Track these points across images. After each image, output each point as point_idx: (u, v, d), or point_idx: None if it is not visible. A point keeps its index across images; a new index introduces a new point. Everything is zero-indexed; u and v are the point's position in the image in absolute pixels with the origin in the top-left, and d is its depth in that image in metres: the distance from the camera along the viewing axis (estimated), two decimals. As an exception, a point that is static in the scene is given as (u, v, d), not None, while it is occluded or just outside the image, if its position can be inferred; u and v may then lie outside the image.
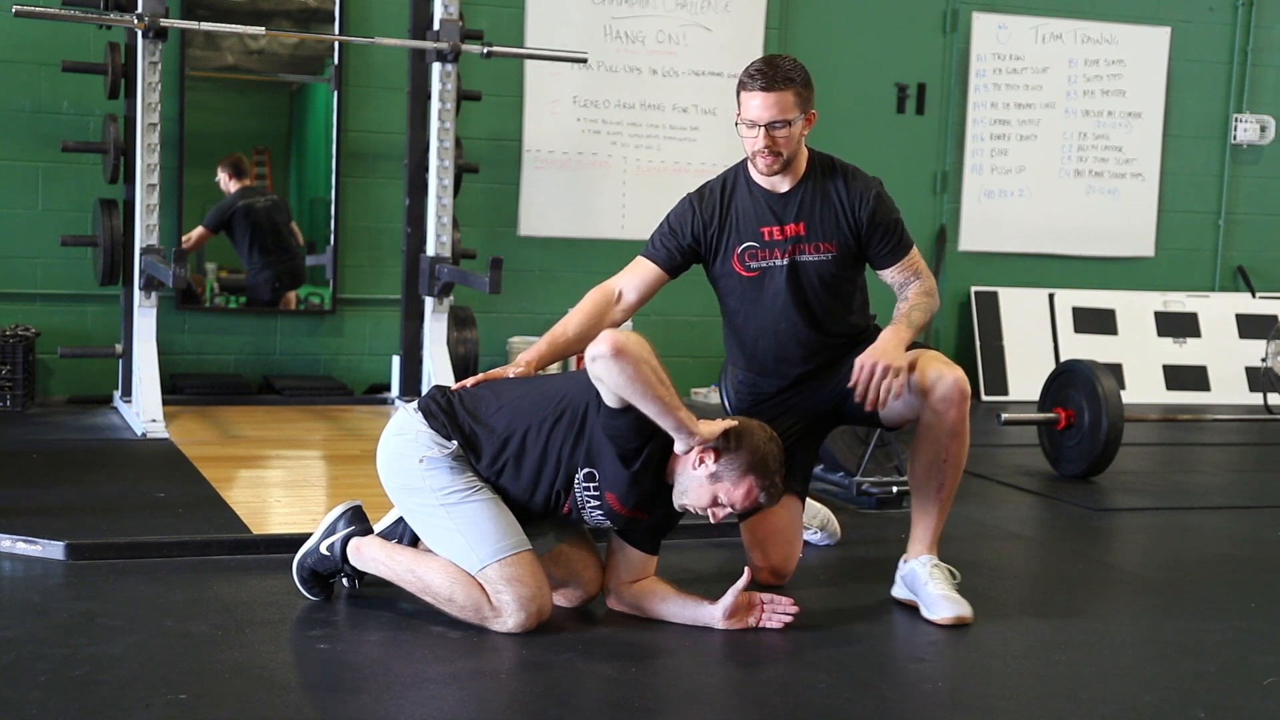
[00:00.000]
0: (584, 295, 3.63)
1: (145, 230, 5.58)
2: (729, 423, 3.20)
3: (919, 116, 7.67)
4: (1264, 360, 7.42)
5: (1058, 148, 7.92)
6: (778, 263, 3.59)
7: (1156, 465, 5.92)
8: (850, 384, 3.45)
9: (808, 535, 4.16)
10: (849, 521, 4.45)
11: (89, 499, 4.32)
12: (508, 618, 3.18)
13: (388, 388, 6.58)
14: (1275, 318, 8.06)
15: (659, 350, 3.15)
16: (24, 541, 3.72)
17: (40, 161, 6.21)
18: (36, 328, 6.17)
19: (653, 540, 3.37)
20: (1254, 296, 8.20)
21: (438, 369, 6.06)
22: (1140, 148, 8.06)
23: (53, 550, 3.69)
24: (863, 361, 3.42)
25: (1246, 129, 8.15)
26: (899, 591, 3.61)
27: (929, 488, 3.55)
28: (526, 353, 3.53)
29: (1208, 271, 8.28)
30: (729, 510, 3.21)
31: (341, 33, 6.55)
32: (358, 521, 3.44)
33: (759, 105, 3.49)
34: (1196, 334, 8.02)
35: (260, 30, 5.75)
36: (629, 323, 3.90)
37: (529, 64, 6.87)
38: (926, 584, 3.50)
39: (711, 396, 6.89)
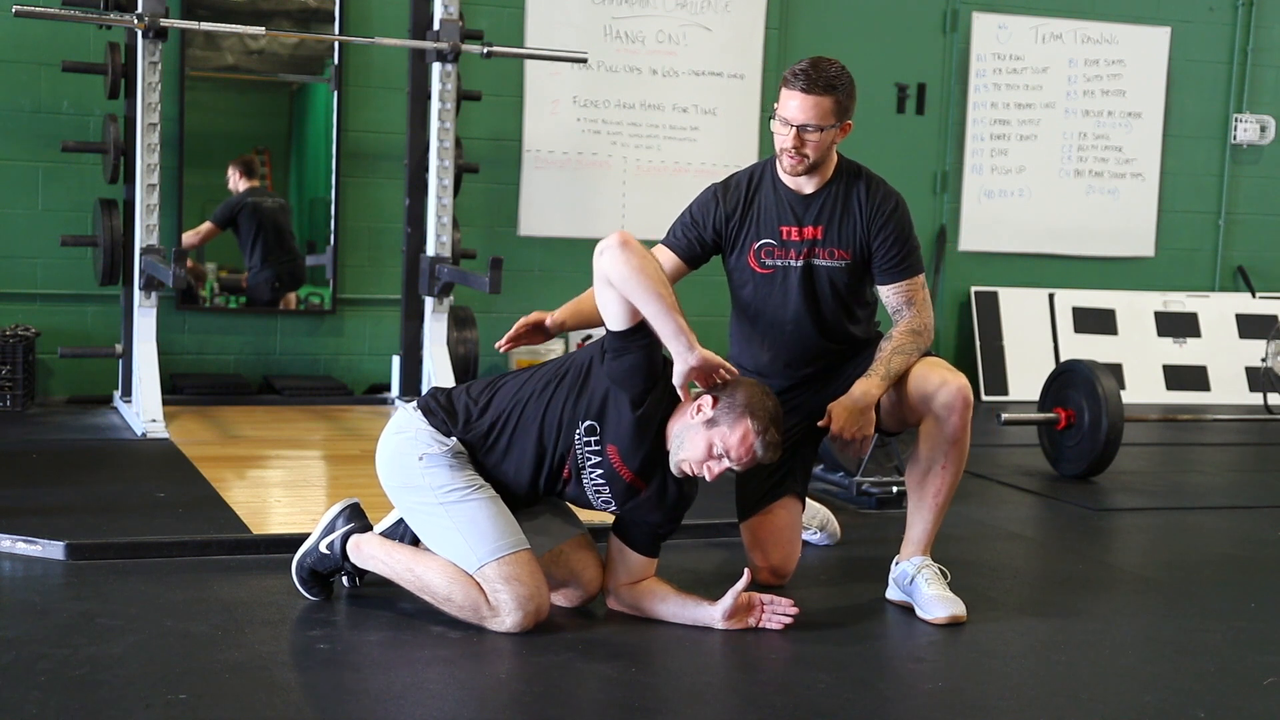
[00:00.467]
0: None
1: (145, 230, 5.58)
2: (725, 363, 3.19)
3: (919, 116, 7.67)
4: (1264, 360, 7.42)
5: (1058, 148, 7.92)
6: (793, 263, 3.60)
7: (1156, 465, 5.92)
8: (822, 423, 3.54)
9: (807, 536, 4.16)
10: (849, 521, 4.45)
11: (89, 499, 4.32)
12: (505, 617, 3.18)
13: (388, 388, 6.58)
14: (1275, 318, 8.05)
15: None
16: (24, 541, 3.72)
17: (40, 161, 6.21)
18: (36, 328, 6.17)
19: (652, 543, 3.37)
20: (1254, 296, 8.20)
21: (438, 369, 6.06)
22: (1140, 148, 8.06)
23: (53, 550, 3.69)
24: (833, 419, 3.48)
25: (1246, 129, 8.15)
26: (892, 593, 3.62)
27: (925, 491, 3.55)
28: (556, 312, 3.56)
29: (1208, 271, 8.28)
30: (726, 464, 3.17)
31: (341, 33, 6.55)
32: (356, 518, 3.44)
33: (796, 106, 3.49)
34: (1196, 334, 8.02)
35: (260, 30, 5.75)
36: None
37: (529, 64, 6.87)
38: (919, 584, 3.51)
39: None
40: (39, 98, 6.21)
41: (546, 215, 6.99)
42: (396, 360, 6.43)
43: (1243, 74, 8.16)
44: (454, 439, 3.27)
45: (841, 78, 3.52)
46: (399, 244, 6.45)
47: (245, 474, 5.00)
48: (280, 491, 4.80)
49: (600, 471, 3.24)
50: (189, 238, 6.45)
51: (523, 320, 3.55)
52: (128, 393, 5.93)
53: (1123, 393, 5.51)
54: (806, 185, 3.60)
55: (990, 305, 7.79)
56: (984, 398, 7.51)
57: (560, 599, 3.42)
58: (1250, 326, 8.06)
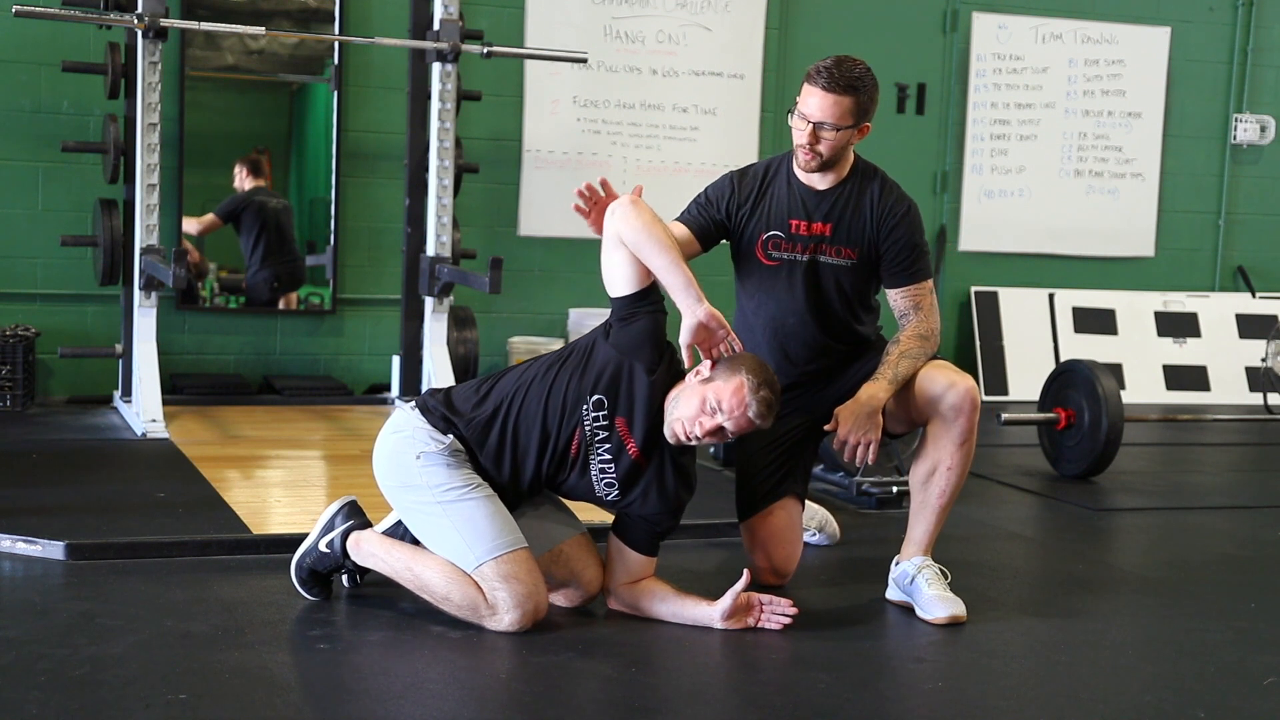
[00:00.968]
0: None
1: (145, 230, 5.58)
2: (729, 327, 3.24)
3: (919, 116, 7.67)
4: (1264, 360, 7.42)
5: (1058, 148, 7.92)
6: (799, 258, 3.60)
7: (1156, 465, 5.93)
8: (828, 427, 3.53)
9: (806, 536, 4.16)
10: (849, 521, 4.45)
11: (89, 499, 4.32)
12: (503, 615, 3.18)
13: (388, 388, 6.58)
14: (1275, 318, 8.05)
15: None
16: (24, 541, 3.72)
17: (40, 161, 6.21)
18: (36, 328, 6.17)
19: (652, 542, 3.37)
20: (1254, 296, 8.19)
21: (438, 369, 6.06)
22: (1140, 148, 8.06)
23: (53, 550, 3.69)
24: (839, 423, 3.48)
25: (1246, 129, 8.15)
26: (892, 594, 3.62)
27: (929, 492, 3.55)
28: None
29: (1208, 271, 8.28)
30: (718, 420, 3.16)
31: (341, 33, 6.55)
32: (355, 515, 3.45)
33: (815, 103, 3.48)
34: (1196, 334, 8.02)
35: (260, 30, 5.75)
36: None
37: (529, 64, 6.87)
38: (919, 584, 3.50)
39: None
40: (39, 98, 6.21)
41: (546, 215, 6.99)
42: (396, 360, 6.43)
43: (1243, 74, 8.16)
44: (451, 436, 3.27)
45: (865, 79, 3.49)
46: (399, 244, 6.45)
47: (245, 474, 5.00)
48: (280, 491, 4.80)
49: (608, 447, 3.24)
50: (191, 224, 6.46)
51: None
52: (128, 393, 5.93)
53: (1123, 393, 5.51)
54: (820, 182, 3.60)
55: (990, 305, 7.79)
56: (984, 398, 7.51)
57: (560, 599, 3.42)
58: (1250, 326, 8.06)
